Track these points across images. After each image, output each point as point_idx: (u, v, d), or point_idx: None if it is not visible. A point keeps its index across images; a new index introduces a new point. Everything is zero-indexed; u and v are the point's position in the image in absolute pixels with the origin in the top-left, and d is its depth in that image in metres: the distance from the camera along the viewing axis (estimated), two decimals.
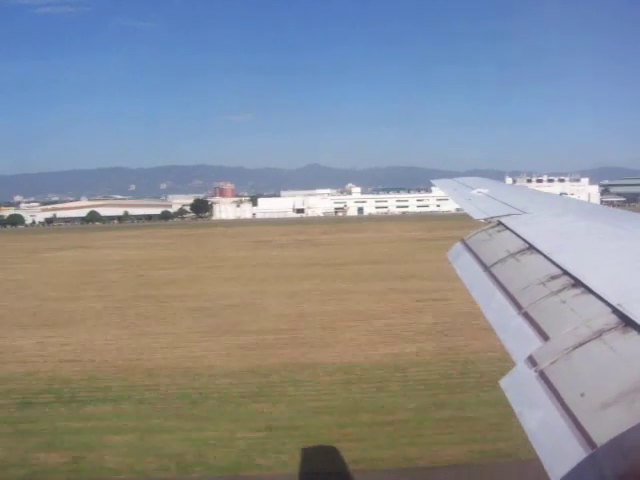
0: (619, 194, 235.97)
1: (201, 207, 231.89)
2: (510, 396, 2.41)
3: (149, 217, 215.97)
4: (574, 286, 2.93)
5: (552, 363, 2.38)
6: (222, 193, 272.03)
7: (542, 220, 4.66)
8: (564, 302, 2.85)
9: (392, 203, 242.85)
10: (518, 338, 2.83)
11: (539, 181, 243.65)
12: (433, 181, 10.04)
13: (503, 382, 2.50)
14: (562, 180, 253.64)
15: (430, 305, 39.27)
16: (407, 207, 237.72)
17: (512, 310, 3.14)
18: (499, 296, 3.42)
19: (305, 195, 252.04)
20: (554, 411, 2.13)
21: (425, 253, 64.84)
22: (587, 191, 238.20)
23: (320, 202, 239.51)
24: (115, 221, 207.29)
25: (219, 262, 71.43)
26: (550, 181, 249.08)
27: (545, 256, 3.50)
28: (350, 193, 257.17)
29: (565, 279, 3.07)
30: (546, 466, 1.98)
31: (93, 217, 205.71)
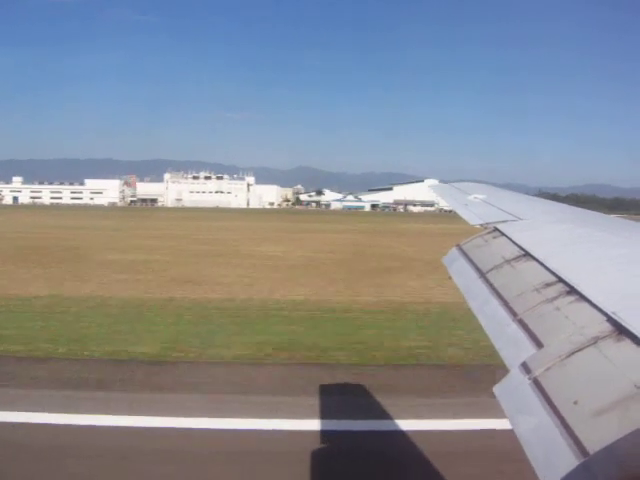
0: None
1: None
2: (503, 403, 2.40)
3: None
4: (569, 293, 2.93)
5: (546, 370, 2.37)
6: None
7: (538, 227, 4.66)
8: (558, 309, 2.84)
9: (46, 194, 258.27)
10: (512, 345, 2.82)
11: (195, 177, 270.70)
12: (430, 186, 10.05)
13: (496, 389, 2.49)
14: (220, 177, 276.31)
15: None
16: (61, 198, 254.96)
17: (507, 317, 3.13)
18: (494, 302, 3.41)
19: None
20: (547, 418, 2.12)
21: None
22: (247, 190, 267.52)
23: None
24: None
25: None
26: (207, 178, 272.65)
27: (540, 263, 3.50)
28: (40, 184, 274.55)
29: (560, 286, 3.06)
30: (538, 473, 1.97)
31: None
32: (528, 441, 2.13)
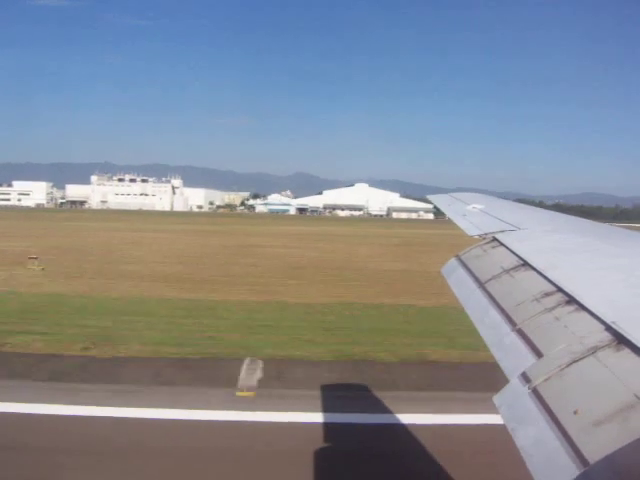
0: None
1: None
2: (503, 412, 2.39)
3: None
4: (568, 303, 2.93)
5: (545, 380, 2.37)
6: None
7: (537, 236, 4.66)
8: (558, 319, 2.84)
9: None
10: (512, 355, 2.82)
11: (120, 180, 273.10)
12: (429, 197, 9.99)
13: (496, 398, 2.48)
14: (145, 180, 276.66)
15: None
16: None
17: (506, 327, 3.13)
18: (493, 312, 3.40)
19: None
20: (547, 428, 2.12)
21: None
22: (172, 193, 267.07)
23: None
24: None
25: None
26: (132, 181, 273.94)
27: (539, 272, 3.50)
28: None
29: (559, 296, 3.06)
30: None
31: None
32: (528, 451, 2.12)
